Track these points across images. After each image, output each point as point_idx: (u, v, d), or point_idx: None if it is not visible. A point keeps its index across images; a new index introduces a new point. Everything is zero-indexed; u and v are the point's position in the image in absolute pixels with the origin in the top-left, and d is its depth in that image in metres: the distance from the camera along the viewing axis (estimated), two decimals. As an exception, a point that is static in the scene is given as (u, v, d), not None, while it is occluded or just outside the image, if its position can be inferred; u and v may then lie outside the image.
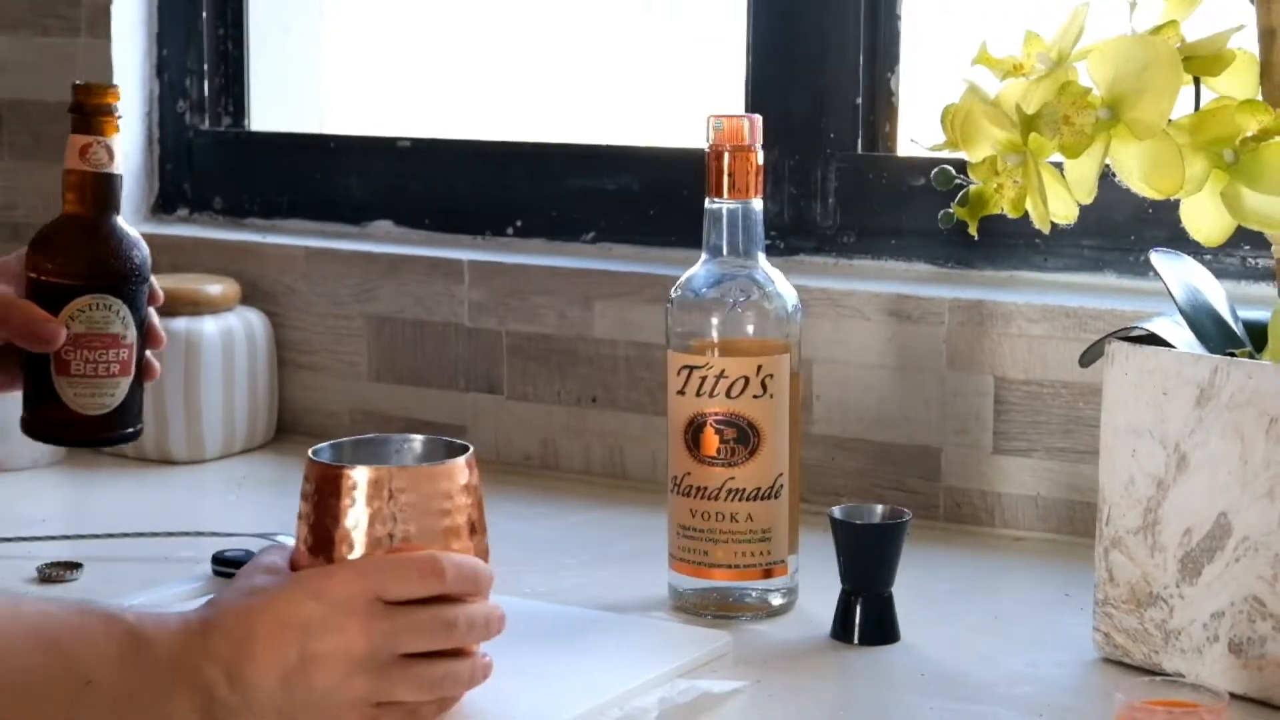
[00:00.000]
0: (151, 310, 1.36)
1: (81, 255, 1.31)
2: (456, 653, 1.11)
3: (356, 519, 1.10)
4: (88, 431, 1.32)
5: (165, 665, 1.05)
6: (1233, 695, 1.15)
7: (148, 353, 1.35)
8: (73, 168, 1.31)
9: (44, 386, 1.31)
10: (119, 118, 1.32)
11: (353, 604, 1.06)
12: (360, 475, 1.10)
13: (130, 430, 1.34)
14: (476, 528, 1.14)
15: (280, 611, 1.06)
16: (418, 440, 1.20)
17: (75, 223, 1.32)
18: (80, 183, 1.31)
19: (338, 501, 1.10)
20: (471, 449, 1.16)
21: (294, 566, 1.13)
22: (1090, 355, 1.32)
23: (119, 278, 1.31)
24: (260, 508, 1.72)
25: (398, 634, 1.07)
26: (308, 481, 1.13)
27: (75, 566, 1.49)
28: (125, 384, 1.31)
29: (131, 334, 1.32)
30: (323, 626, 1.06)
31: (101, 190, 1.32)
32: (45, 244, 1.32)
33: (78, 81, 1.32)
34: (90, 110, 1.31)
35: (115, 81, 1.95)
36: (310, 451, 1.14)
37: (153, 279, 1.36)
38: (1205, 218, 1.26)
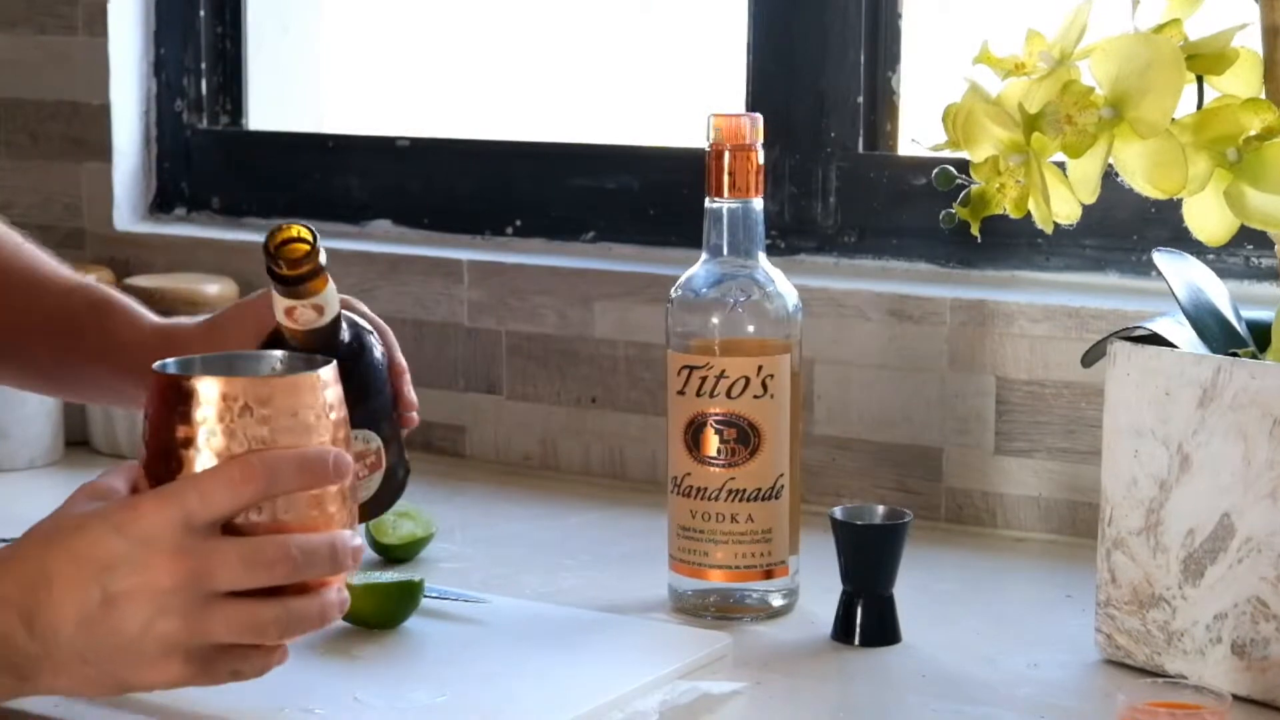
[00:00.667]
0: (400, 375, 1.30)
1: None
2: (301, 588, 0.98)
3: (200, 438, 0.97)
4: (363, 517, 1.23)
5: None
6: (1236, 697, 1.15)
7: (406, 391, 1.30)
8: (282, 324, 1.17)
9: None
10: (324, 268, 1.15)
11: (158, 535, 0.95)
12: (207, 388, 0.97)
13: (399, 488, 1.27)
14: (343, 445, 1.02)
15: (78, 548, 0.95)
16: (276, 356, 1.08)
17: None
18: (293, 340, 1.18)
19: (174, 417, 0.97)
20: (335, 363, 1.03)
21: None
22: (1092, 355, 1.32)
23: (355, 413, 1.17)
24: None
25: (210, 567, 0.95)
26: (151, 398, 1.00)
27: (72, 567, 1.48)
28: (378, 476, 1.23)
29: (375, 441, 1.23)
30: (125, 563, 0.94)
31: (317, 344, 1.17)
32: None
33: (273, 236, 1.14)
34: (290, 281, 1.14)
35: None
36: (154, 365, 1.01)
37: (394, 357, 1.30)
38: (1208, 217, 1.26)
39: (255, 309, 1.28)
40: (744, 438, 1.36)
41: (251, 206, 2.11)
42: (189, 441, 0.97)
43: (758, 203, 1.38)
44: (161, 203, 2.14)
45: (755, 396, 1.36)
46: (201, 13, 2.12)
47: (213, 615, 0.96)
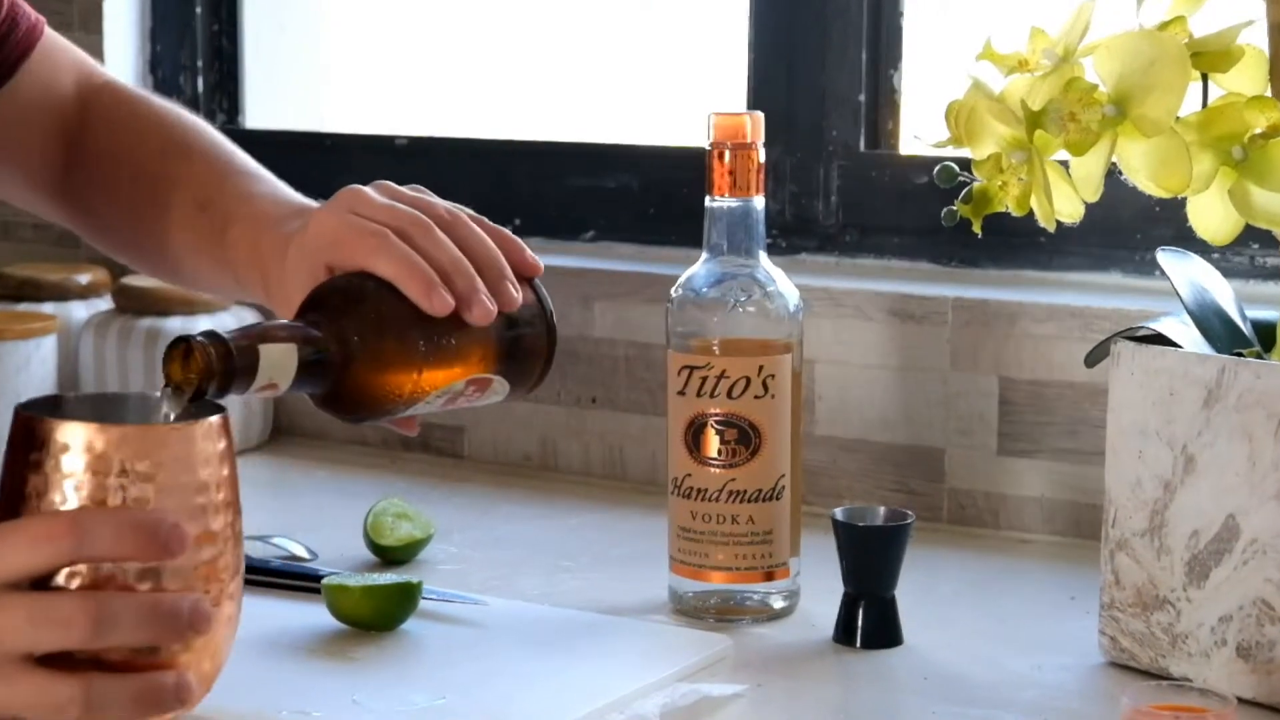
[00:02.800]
0: None
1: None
2: (146, 662, 0.88)
3: (54, 489, 0.87)
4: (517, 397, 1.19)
5: None
6: (1241, 700, 1.14)
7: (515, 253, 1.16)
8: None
9: None
10: (240, 376, 1.00)
11: None
12: (72, 434, 0.87)
13: (546, 362, 1.19)
14: (221, 507, 0.91)
15: None
16: (160, 399, 0.96)
17: None
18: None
19: (22, 461, 0.88)
20: (226, 410, 0.94)
21: None
22: (1096, 355, 1.32)
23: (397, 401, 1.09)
24: (255, 509, 1.70)
25: (3, 627, 0.85)
26: (10, 438, 0.91)
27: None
28: (497, 386, 1.15)
29: (456, 384, 1.12)
30: None
31: (305, 377, 1.05)
32: None
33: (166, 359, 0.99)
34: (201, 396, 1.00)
35: None
36: (18, 404, 0.92)
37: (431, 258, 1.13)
38: (1213, 216, 1.25)
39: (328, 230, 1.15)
40: (745, 438, 1.35)
41: (250, 206, 2.10)
42: (32, 487, 0.88)
43: (758, 202, 1.37)
44: (159, 202, 2.14)
45: (756, 397, 1.35)
46: (198, 10, 2.12)
47: (10, 684, 0.85)
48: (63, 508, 0.87)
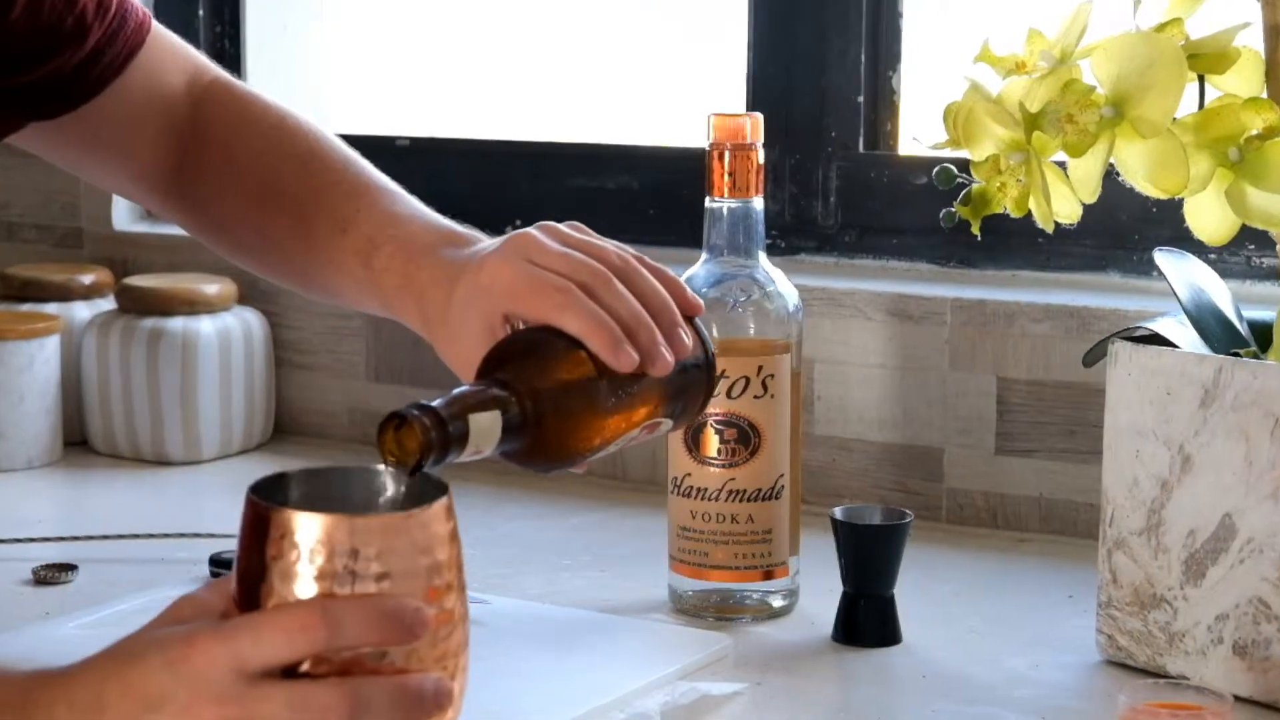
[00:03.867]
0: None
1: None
2: None
3: (293, 578, 0.89)
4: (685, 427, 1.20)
5: None
6: (1237, 698, 1.15)
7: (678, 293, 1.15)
8: None
9: None
10: (454, 447, 1.00)
11: (206, 677, 0.88)
12: (311, 527, 0.88)
13: (707, 391, 1.17)
14: (453, 586, 0.92)
15: (131, 681, 0.89)
16: (381, 478, 0.97)
17: None
18: None
19: (257, 548, 0.90)
20: (449, 489, 0.94)
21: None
22: (1094, 355, 1.32)
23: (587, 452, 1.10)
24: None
25: (252, 716, 0.87)
26: (242, 522, 0.92)
27: (71, 568, 1.48)
28: (665, 423, 1.14)
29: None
30: (170, 702, 0.88)
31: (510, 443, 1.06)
32: None
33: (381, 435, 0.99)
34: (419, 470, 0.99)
35: None
36: (249, 488, 0.92)
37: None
38: (1209, 216, 1.26)
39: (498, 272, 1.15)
40: (744, 438, 1.36)
41: (251, 206, 2.10)
42: (271, 576, 0.89)
43: (758, 202, 1.38)
44: (161, 203, 2.14)
45: (755, 397, 1.35)
46: (201, 12, 2.12)
47: None
48: (303, 596, 0.88)
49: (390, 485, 0.96)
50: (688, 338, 1.13)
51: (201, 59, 1.37)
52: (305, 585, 0.88)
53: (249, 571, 0.90)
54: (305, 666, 0.89)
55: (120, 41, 1.30)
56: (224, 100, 1.35)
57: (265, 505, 0.90)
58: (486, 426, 1.02)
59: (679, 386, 1.14)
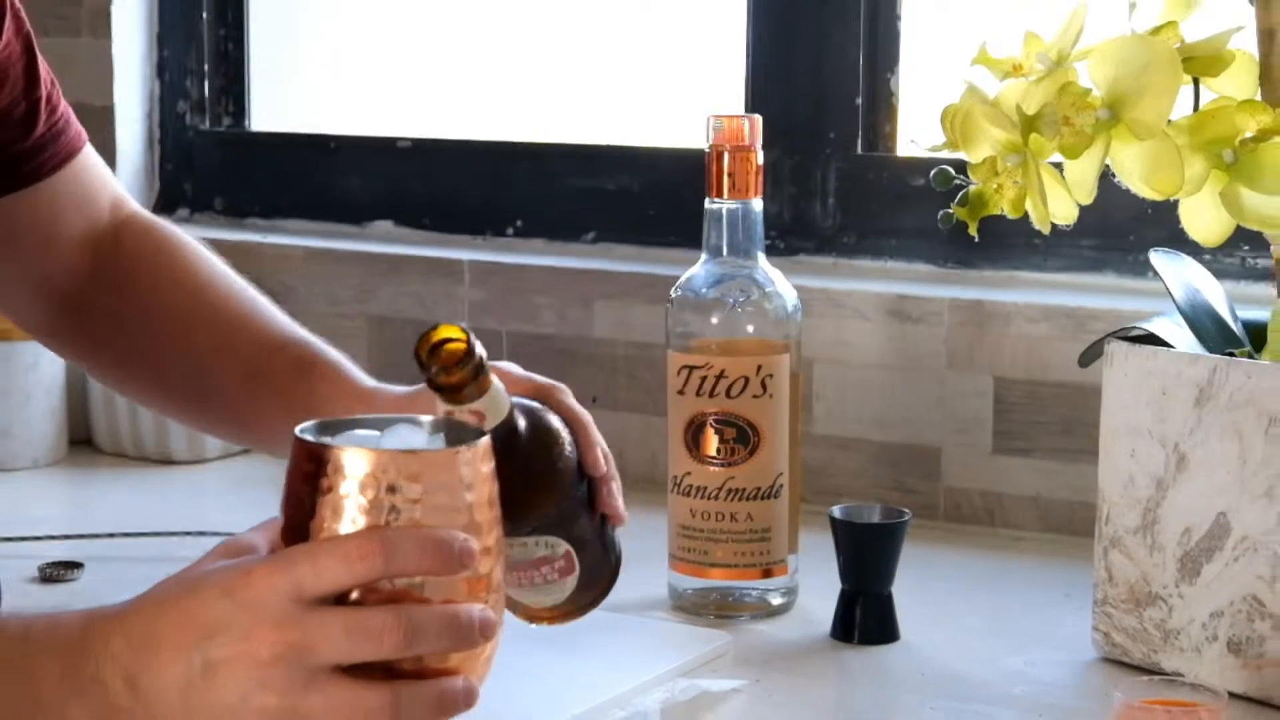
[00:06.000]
0: (606, 480, 1.18)
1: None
2: (420, 672, 0.92)
3: (333, 509, 0.92)
4: (563, 615, 1.20)
5: (57, 676, 0.93)
6: (1231, 695, 1.15)
7: (613, 495, 1.18)
8: None
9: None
10: (484, 370, 1.03)
11: (265, 603, 0.90)
12: (347, 459, 0.92)
13: (603, 587, 1.20)
14: (492, 524, 0.96)
15: (188, 611, 0.92)
16: (425, 422, 1.01)
17: None
18: None
19: (309, 486, 0.93)
20: (487, 437, 0.97)
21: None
22: (1090, 355, 1.32)
23: (531, 518, 1.11)
24: (262, 507, 1.69)
25: (312, 640, 0.90)
26: (290, 463, 0.95)
27: (76, 566, 1.49)
28: (571, 580, 1.15)
29: (562, 546, 1.14)
30: (228, 630, 0.90)
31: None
32: None
33: (424, 339, 1.04)
34: (446, 389, 1.02)
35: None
36: (296, 429, 0.96)
37: (587, 457, 1.16)
38: (1204, 218, 1.26)
39: None
40: (743, 437, 1.36)
41: (254, 207, 2.11)
42: (322, 510, 0.93)
43: (757, 203, 1.38)
44: (164, 204, 2.15)
45: (754, 396, 1.36)
46: (204, 15, 2.12)
47: (313, 693, 0.90)
48: (353, 528, 0.91)
49: (429, 431, 1.00)
50: (625, 514, 1.17)
51: (123, 190, 1.41)
52: (356, 518, 0.91)
53: (299, 508, 0.93)
54: (355, 596, 0.91)
55: (62, 142, 1.34)
56: (141, 233, 1.37)
57: (318, 443, 0.93)
58: (500, 393, 1.04)
59: (603, 549, 1.18)
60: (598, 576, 1.18)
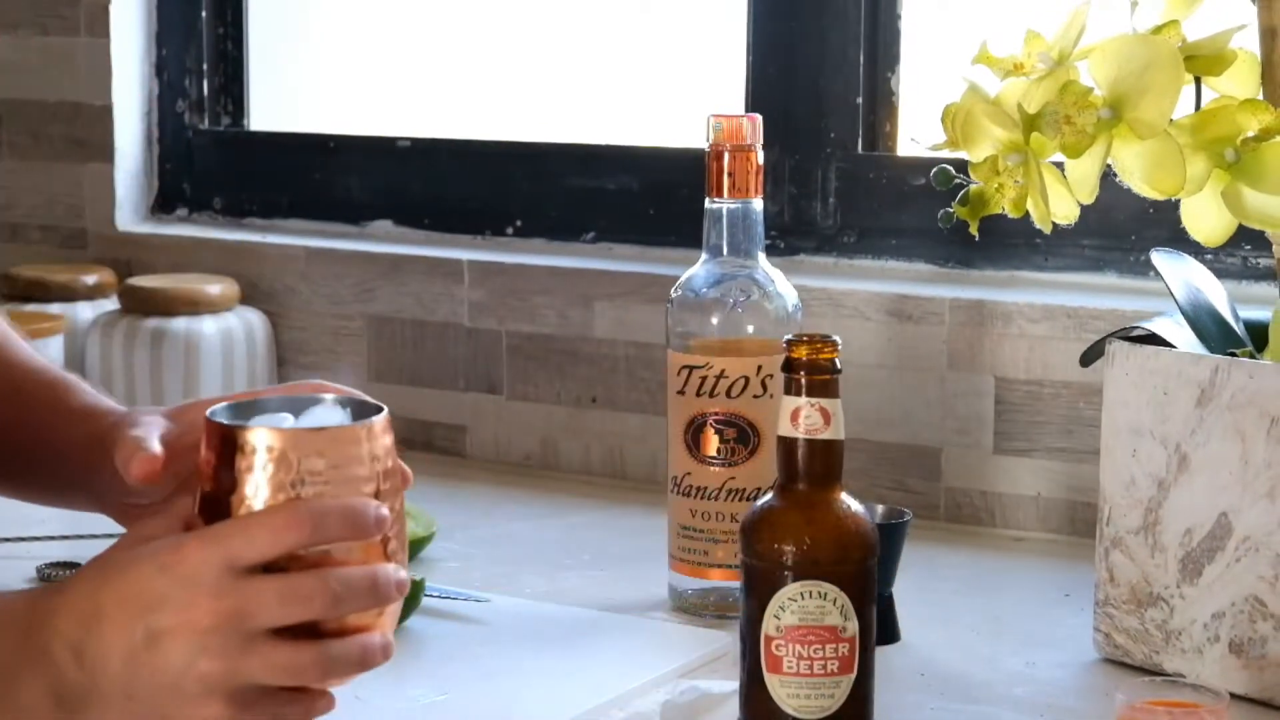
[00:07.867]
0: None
1: (790, 536, 1.13)
2: (342, 631, 0.98)
3: (248, 487, 0.98)
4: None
5: (10, 650, 0.99)
6: (1233, 696, 1.15)
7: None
8: (783, 434, 1.13)
9: (755, 681, 1.16)
10: (838, 374, 1.13)
11: (200, 575, 0.96)
12: (257, 438, 0.98)
13: None
14: (397, 489, 1.03)
15: (127, 586, 0.97)
16: (329, 400, 1.06)
17: (788, 498, 1.14)
18: (790, 451, 1.13)
19: (223, 466, 0.98)
20: (386, 410, 1.03)
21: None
22: (1091, 355, 1.32)
23: (834, 563, 1.13)
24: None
25: (248, 606, 0.96)
26: (205, 445, 1.00)
27: (75, 566, 1.49)
28: (847, 683, 1.13)
29: (853, 625, 1.13)
30: (167, 602, 0.96)
31: (816, 460, 1.13)
32: (754, 525, 1.15)
33: (792, 337, 1.14)
34: (802, 368, 1.13)
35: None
36: (207, 412, 1.01)
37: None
38: (1206, 217, 1.26)
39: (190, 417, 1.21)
40: (744, 437, 1.36)
41: (253, 207, 2.11)
42: (238, 489, 0.98)
43: (757, 203, 1.38)
44: (163, 203, 2.15)
45: (755, 396, 1.36)
46: (203, 14, 2.12)
47: (252, 656, 0.96)
48: (273, 501, 0.97)
49: (331, 408, 1.06)
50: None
51: None
52: (275, 493, 0.98)
53: (219, 487, 0.99)
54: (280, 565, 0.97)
55: None
56: None
57: (233, 425, 0.99)
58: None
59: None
60: (855, 713, 1.15)
